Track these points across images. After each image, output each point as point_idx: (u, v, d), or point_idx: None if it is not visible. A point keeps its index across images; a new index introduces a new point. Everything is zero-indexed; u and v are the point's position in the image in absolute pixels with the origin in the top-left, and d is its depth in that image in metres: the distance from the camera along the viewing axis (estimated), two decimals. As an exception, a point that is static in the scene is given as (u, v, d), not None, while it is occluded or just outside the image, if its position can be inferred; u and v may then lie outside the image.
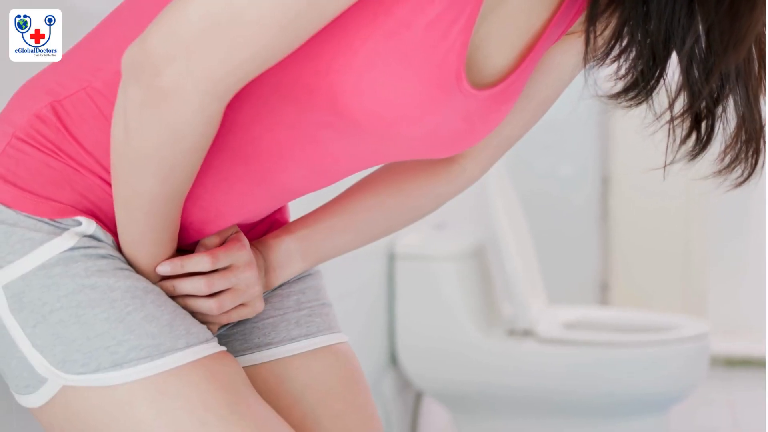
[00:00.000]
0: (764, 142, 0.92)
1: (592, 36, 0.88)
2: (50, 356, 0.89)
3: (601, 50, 0.89)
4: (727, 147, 0.91)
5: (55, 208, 0.91)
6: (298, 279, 1.11)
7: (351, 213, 1.11)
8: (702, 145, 0.92)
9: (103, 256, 0.91)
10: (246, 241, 1.04)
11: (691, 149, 0.92)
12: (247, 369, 1.05)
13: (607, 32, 0.89)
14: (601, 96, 0.92)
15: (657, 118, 0.91)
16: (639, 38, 0.86)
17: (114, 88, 0.91)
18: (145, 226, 0.91)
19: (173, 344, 0.89)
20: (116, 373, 0.88)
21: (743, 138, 0.91)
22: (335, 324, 1.11)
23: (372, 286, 2.62)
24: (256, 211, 1.03)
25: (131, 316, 0.89)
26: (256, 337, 1.06)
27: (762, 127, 0.91)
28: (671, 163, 0.93)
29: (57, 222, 0.91)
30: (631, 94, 0.90)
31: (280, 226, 1.12)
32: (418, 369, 2.73)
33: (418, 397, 2.92)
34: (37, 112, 0.93)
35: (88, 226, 0.92)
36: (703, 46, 0.86)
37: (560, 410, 2.74)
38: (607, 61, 0.89)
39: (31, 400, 0.91)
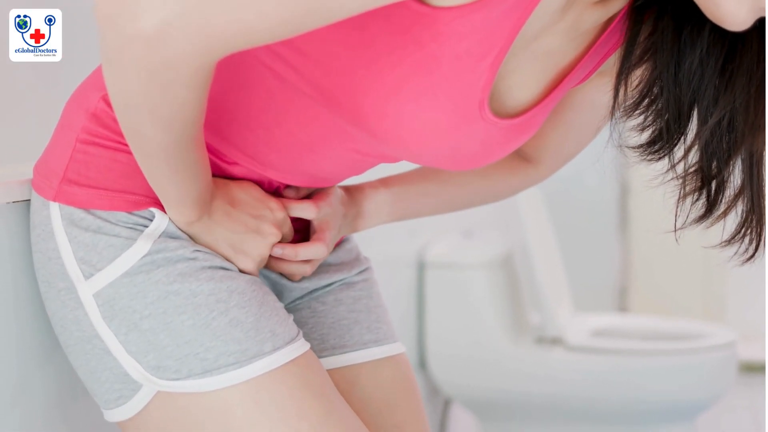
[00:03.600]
0: (765, 212, 0.92)
1: (622, 89, 0.90)
2: (144, 362, 0.91)
3: (630, 102, 0.91)
4: (725, 211, 0.92)
5: (129, 201, 0.93)
6: (365, 281, 1.15)
7: (442, 183, 1.20)
8: (710, 207, 0.93)
9: (181, 258, 0.92)
10: (333, 194, 1.10)
11: (698, 213, 0.93)
12: None
13: (636, 84, 0.90)
14: (624, 147, 0.94)
15: (670, 169, 0.92)
16: (667, 95, 0.88)
17: None
18: (168, 170, 0.88)
19: (260, 348, 0.91)
20: (207, 380, 0.90)
21: (747, 207, 0.91)
22: (395, 333, 1.15)
23: (402, 293, 2.64)
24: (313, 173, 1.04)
25: (216, 321, 0.91)
26: (333, 339, 1.09)
27: (765, 196, 0.91)
28: (681, 227, 0.94)
29: (132, 215, 0.93)
30: (653, 148, 0.91)
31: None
32: (446, 376, 2.74)
33: (447, 403, 2.94)
34: (92, 109, 0.95)
35: (161, 221, 0.93)
36: (726, 123, 0.88)
37: (588, 418, 2.75)
38: (635, 113, 0.91)
39: (123, 412, 0.93)
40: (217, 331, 0.90)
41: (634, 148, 0.93)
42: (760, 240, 0.93)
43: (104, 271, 0.91)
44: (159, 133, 0.83)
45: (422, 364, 2.76)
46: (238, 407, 0.90)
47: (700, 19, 0.86)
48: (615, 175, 4.19)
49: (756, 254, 0.93)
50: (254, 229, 0.98)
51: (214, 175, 0.98)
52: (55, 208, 0.94)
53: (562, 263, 3.18)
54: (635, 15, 0.90)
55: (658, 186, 0.94)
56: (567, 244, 3.72)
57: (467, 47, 0.84)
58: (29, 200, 0.99)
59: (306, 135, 0.95)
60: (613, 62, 0.97)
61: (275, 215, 1.00)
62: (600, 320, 3.06)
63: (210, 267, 0.94)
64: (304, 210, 1.05)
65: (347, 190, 1.15)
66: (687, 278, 4.18)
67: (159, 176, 0.89)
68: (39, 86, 1.34)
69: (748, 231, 0.92)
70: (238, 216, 0.97)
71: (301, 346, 0.95)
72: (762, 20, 0.82)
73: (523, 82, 0.94)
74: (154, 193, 0.94)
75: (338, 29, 0.84)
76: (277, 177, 1.01)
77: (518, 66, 0.92)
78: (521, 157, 1.21)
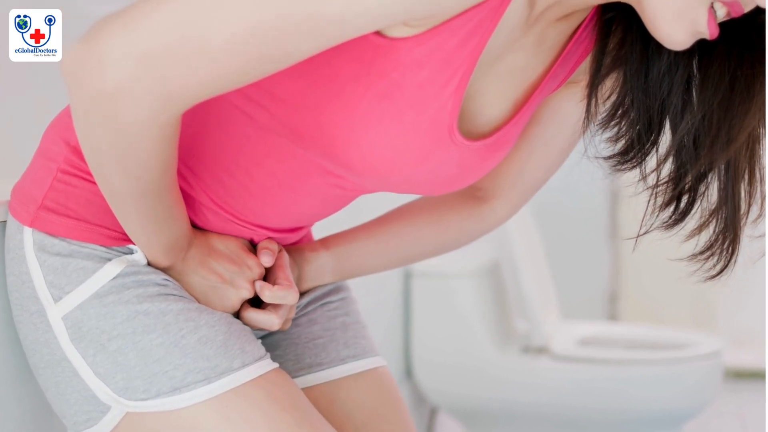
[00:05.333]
0: (739, 233, 0.92)
1: (593, 101, 0.91)
2: (112, 384, 0.90)
3: (603, 114, 0.92)
4: (700, 226, 0.92)
5: (109, 236, 0.93)
6: (341, 300, 1.15)
7: (387, 238, 1.15)
8: (678, 217, 0.93)
9: (151, 283, 0.93)
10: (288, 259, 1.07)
11: (666, 219, 0.93)
12: None
13: (608, 95, 0.92)
14: (597, 158, 0.95)
15: (641, 180, 0.93)
16: (637, 104, 0.89)
17: None
18: (138, 218, 0.90)
19: (229, 364, 0.91)
20: (176, 397, 0.89)
21: (720, 227, 0.91)
22: (375, 347, 1.15)
23: (389, 302, 2.64)
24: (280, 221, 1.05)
25: (185, 339, 0.91)
26: (308, 357, 1.09)
27: (739, 219, 0.91)
28: (645, 232, 0.94)
29: (110, 249, 0.93)
30: (626, 157, 0.92)
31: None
32: (433, 384, 2.74)
33: (433, 412, 2.94)
34: (73, 143, 0.95)
35: (140, 256, 0.94)
36: (696, 134, 0.88)
37: (574, 427, 2.75)
38: (609, 125, 0.91)
39: None
40: (186, 349, 0.90)
41: (606, 158, 0.94)
42: (729, 259, 0.93)
43: (72, 294, 0.91)
44: (126, 183, 0.85)
45: (409, 372, 2.76)
46: (207, 423, 0.90)
47: None
48: (605, 183, 4.20)
49: (721, 273, 0.93)
50: (228, 281, 0.99)
51: (193, 226, 0.99)
52: (28, 233, 0.94)
53: (550, 272, 3.18)
54: (604, 26, 0.91)
55: (637, 195, 0.94)
56: (557, 252, 3.73)
57: (428, 75, 0.84)
58: (5, 221, 0.99)
59: (284, 174, 0.95)
60: (582, 71, 0.98)
61: (252, 272, 1.00)
62: (587, 329, 3.06)
63: (180, 294, 0.94)
64: (286, 297, 1.02)
65: (287, 251, 1.11)
66: (677, 286, 4.17)
67: (129, 222, 0.90)
68: (39, 86, 1.34)
69: (718, 250, 0.92)
70: (213, 266, 0.98)
71: (270, 364, 0.95)
72: (715, 37, 0.83)
73: (492, 101, 0.94)
74: None
75: (303, 67, 0.84)
76: (258, 221, 1.00)
77: (486, 86, 0.92)
78: (475, 197, 1.16)
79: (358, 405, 1.09)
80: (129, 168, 0.83)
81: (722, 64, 0.87)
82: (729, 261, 0.93)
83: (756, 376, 3.98)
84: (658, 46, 0.89)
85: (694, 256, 0.93)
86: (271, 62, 0.78)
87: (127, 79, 0.76)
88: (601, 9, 0.91)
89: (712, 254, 0.93)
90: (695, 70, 0.89)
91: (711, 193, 0.91)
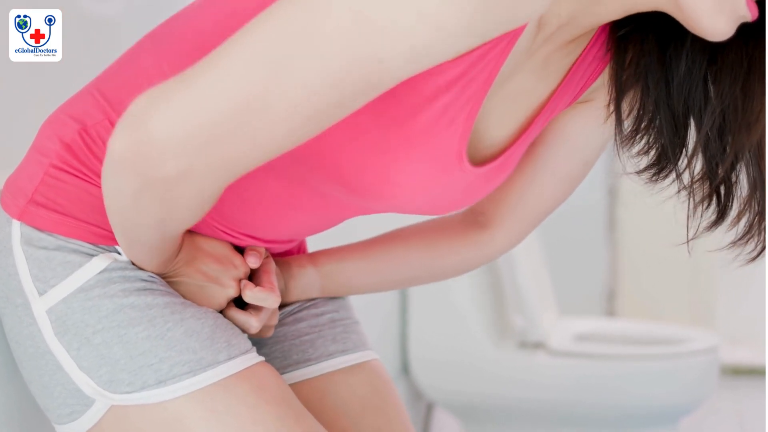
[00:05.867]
0: None
1: (619, 119, 0.91)
2: (96, 377, 0.90)
3: (628, 129, 0.91)
4: (739, 213, 0.92)
5: (96, 234, 0.93)
6: (330, 298, 1.14)
7: (378, 260, 1.13)
8: (721, 212, 0.93)
9: (138, 278, 0.92)
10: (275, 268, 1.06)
11: (710, 220, 0.93)
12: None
13: (628, 112, 0.91)
14: (630, 173, 0.94)
15: (676, 179, 0.93)
16: (662, 113, 0.89)
17: None
18: (149, 253, 0.91)
19: (214, 357, 0.91)
20: (161, 390, 0.89)
21: (756, 209, 0.91)
22: (367, 341, 1.14)
23: (385, 298, 2.64)
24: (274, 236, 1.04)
25: (171, 332, 0.90)
26: (295, 354, 1.08)
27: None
28: (694, 237, 0.94)
29: (97, 247, 0.93)
30: (658, 167, 0.92)
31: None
32: (429, 380, 2.74)
33: (430, 407, 2.94)
34: (67, 140, 0.94)
35: (125, 257, 0.94)
36: (719, 125, 0.88)
37: (571, 422, 2.75)
38: (636, 139, 0.91)
39: (75, 428, 0.92)
40: (171, 341, 0.90)
41: (641, 172, 0.93)
42: (765, 240, 0.93)
43: (57, 287, 0.91)
44: (152, 236, 0.87)
45: (405, 368, 2.76)
46: (192, 416, 0.89)
47: (680, 33, 0.87)
48: (603, 180, 4.20)
49: (762, 253, 0.93)
50: (214, 279, 0.98)
51: None
52: (16, 226, 0.94)
53: (547, 267, 3.18)
54: (619, 43, 0.91)
55: (662, 198, 0.94)
56: (555, 249, 3.73)
57: (444, 104, 0.84)
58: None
59: (282, 190, 0.94)
60: (590, 91, 0.98)
61: (237, 271, 1.00)
62: (583, 325, 3.06)
63: (166, 290, 0.94)
64: (267, 300, 1.01)
65: (275, 263, 1.09)
66: (675, 282, 4.18)
67: (133, 252, 0.91)
68: (39, 86, 1.34)
69: (756, 231, 0.92)
70: (199, 266, 0.98)
71: (256, 357, 0.95)
72: (756, 17, 0.82)
73: (497, 123, 0.94)
74: None
75: None
76: (247, 231, 1.00)
77: (492, 107, 0.92)
78: (476, 223, 1.13)
79: (350, 398, 1.08)
80: (167, 227, 0.85)
81: (739, 49, 0.87)
82: (765, 241, 0.93)
83: (753, 373, 3.99)
84: (676, 50, 0.88)
85: (733, 243, 0.93)
86: (332, 115, 0.76)
87: (189, 164, 0.76)
88: (614, 27, 0.91)
89: (752, 237, 0.92)
90: (713, 62, 0.89)
91: (741, 181, 0.91)
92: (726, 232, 0.94)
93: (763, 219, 0.92)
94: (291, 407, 0.93)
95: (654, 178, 0.93)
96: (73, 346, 0.90)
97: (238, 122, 0.74)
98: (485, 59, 0.82)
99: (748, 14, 0.81)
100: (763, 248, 0.93)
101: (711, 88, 0.88)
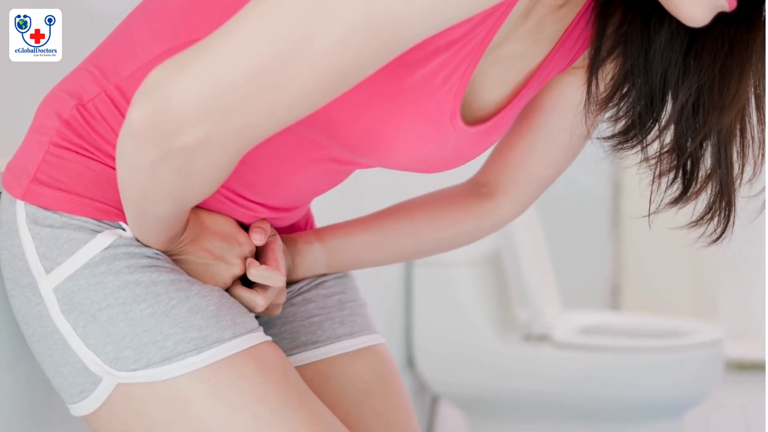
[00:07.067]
0: (735, 197, 0.93)
1: (594, 83, 0.92)
2: (103, 354, 0.90)
3: (603, 95, 0.92)
4: (698, 191, 0.93)
5: (100, 209, 0.93)
6: (338, 278, 1.14)
7: (384, 233, 1.14)
8: (685, 188, 0.93)
9: (143, 255, 0.93)
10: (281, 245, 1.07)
11: (674, 195, 0.94)
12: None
13: (608, 78, 0.92)
14: (598, 138, 0.95)
15: (642, 149, 0.94)
16: (639, 83, 0.90)
17: (132, 84, 0.91)
18: (158, 228, 0.91)
19: (220, 335, 0.91)
20: (166, 367, 0.89)
21: (716, 189, 0.92)
22: (374, 324, 1.14)
23: (390, 290, 2.64)
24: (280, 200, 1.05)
25: (176, 309, 0.90)
26: (303, 335, 1.09)
27: (733, 180, 0.92)
28: (656, 211, 0.95)
29: (102, 223, 0.93)
30: (627, 136, 0.93)
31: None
32: (434, 373, 2.75)
33: (434, 400, 2.94)
34: (65, 116, 0.94)
35: (129, 233, 0.94)
36: (693, 102, 0.89)
37: (575, 415, 2.76)
38: (610, 105, 0.92)
39: (86, 406, 0.93)
40: (177, 318, 0.90)
41: (607, 138, 0.94)
42: (728, 222, 0.94)
43: (64, 265, 0.91)
44: (165, 210, 0.86)
45: (410, 361, 2.77)
46: (197, 394, 0.89)
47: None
48: (608, 173, 4.20)
49: (722, 236, 0.94)
50: (219, 257, 0.98)
51: None
52: (20, 206, 0.94)
53: (551, 260, 3.19)
54: (602, 10, 0.92)
55: (641, 184, 0.94)
56: (560, 242, 3.73)
57: (440, 62, 0.85)
58: None
59: (281, 145, 0.95)
60: (585, 56, 0.99)
61: (242, 249, 1.00)
62: (588, 318, 3.07)
63: (172, 267, 0.94)
64: (271, 278, 1.01)
65: (282, 240, 1.10)
66: (679, 276, 4.18)
67: (143, 227, 0.91)
68: (39, 86, 1.34)
69: (717, 212, 0.93)
70: (205, 244, 0.98)
71: (262, 336, 0.95)
72: (734, 8, 0.84)
73: (490, 86, 0.95)
74: None
75: None
76: (252, 196, 1.00)
77: (485, 70, 0.93)
78: (480, 194, 1.14)
79: (353, 382, 1.08)
80: (184, 198, 0.85)
81: (721, 30, 0.88)
82: (728, 223, 0.94)
83: (757, 367, 3.99)
84: (659, 20, 0.89)
85: (694, 222, 0.94)
86: (349, 81, 0.76)
87: (208, 132, 0.75)
88: None
89: (712, 218, 0.93)
90: (695, 40, 0.90)
91: (705, 158, 0.92)
92: (679, 209, 0.95)
93: (724, 200, 0.93)
94: (295, 387, 0.93)
95: (619, 147, 0.93)
96: (79, 323, 0.91)
97: (257, 86, 0.73)
98: (485, 22, 0.83)
99: (726, 5, 0.83)
100: (723, 232, 0.94)
101: (691, 62, 0.89)
